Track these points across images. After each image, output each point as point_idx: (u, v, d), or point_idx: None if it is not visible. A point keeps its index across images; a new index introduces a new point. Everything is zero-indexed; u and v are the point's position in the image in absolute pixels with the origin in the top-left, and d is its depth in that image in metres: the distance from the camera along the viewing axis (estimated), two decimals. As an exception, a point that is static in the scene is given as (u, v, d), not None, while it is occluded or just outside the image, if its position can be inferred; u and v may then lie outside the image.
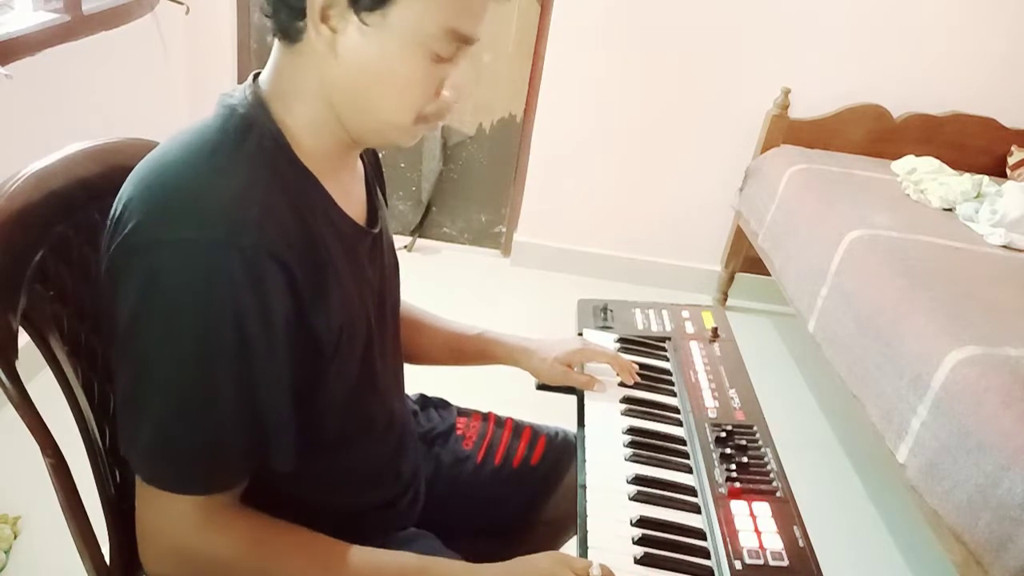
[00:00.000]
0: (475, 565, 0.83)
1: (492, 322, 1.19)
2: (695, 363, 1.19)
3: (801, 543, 0.87)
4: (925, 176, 2.44)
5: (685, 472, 0.99)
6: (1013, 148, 2.70)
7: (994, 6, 2.61)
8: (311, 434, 0.82)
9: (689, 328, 1.28)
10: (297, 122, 0.77)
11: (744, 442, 1.01)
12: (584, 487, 0.94)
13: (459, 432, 1.17)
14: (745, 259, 2.84)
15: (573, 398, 1.13)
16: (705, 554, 0.87)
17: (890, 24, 2.64)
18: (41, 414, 0.77)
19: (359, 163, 0.91)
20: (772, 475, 0.97)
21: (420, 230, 3.12)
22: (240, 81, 0.82)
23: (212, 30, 2.73)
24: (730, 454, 0.99)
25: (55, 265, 0.81)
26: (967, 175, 2.44)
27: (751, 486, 0.94)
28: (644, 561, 0.84)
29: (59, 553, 1.07)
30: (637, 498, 0.93)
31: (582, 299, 1.35)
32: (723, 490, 0.94)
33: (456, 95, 0.78)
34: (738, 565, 0.83)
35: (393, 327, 0.97)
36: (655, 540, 0.87)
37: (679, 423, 1.08)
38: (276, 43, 0.77)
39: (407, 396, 1.14)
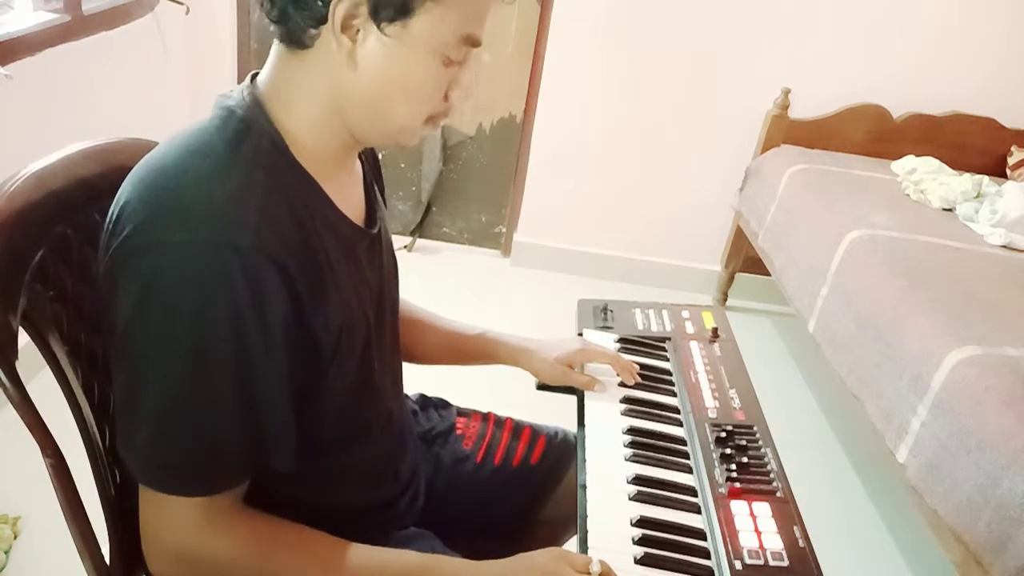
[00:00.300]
0: (476, 562, 0.83)
1: (492, 322, 1.19)
2: (695, 363, 1.19)
3: (801, 543, 0.87)
4: (925, 176, 2.44)
5: (685, 472, 0.99)
6: (1013, 148, 2.70)
7: (994, 6, 2.61)
8: (311, 434, 0.82)
9: (689, 328, 1.28)
10: (297, 124, 0.77)
11: (744, 442, 1.01)
12: (584, 487, 0.94)
13: (459, 432, 1.17)
14: (745, 259, 2.84)
15: (573, 398, 1.13)
16: (705, 554, 0.87)
17: (890, 24, 2.64)
18: (41, 414, 0.76)
19: (357, 163, 0.91)
20: (772, 475, 0.97)
21: (420, 230, 3.12)
22: (240, 81, 0.82)
23: (212, 30, 2.73)
24: (730, 454, 0.99)
25: (55, 265, 0.81)
26: (967, 175, 2.44)
27: (751, 486, 0.94)
28: (644, 561, 0.84)
29: (59, 553, 1.07)
30: (637, 498, 0.93)
31: (582, 299, 1.35)
32: (723, 490, 0.94)
33: (463, 95, 0.79)
34: (738, 565, 0.83)
35: (392, 327, 0.97)
36: (655, 540, 0.87)
37: (679, 423, 1.08)
38: (277, 45, 0.77)
39: (407, 396, 1.14)
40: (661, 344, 1.25)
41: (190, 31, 2.67)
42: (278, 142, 0.76)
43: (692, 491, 0.96)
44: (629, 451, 1.01)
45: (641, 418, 1.08)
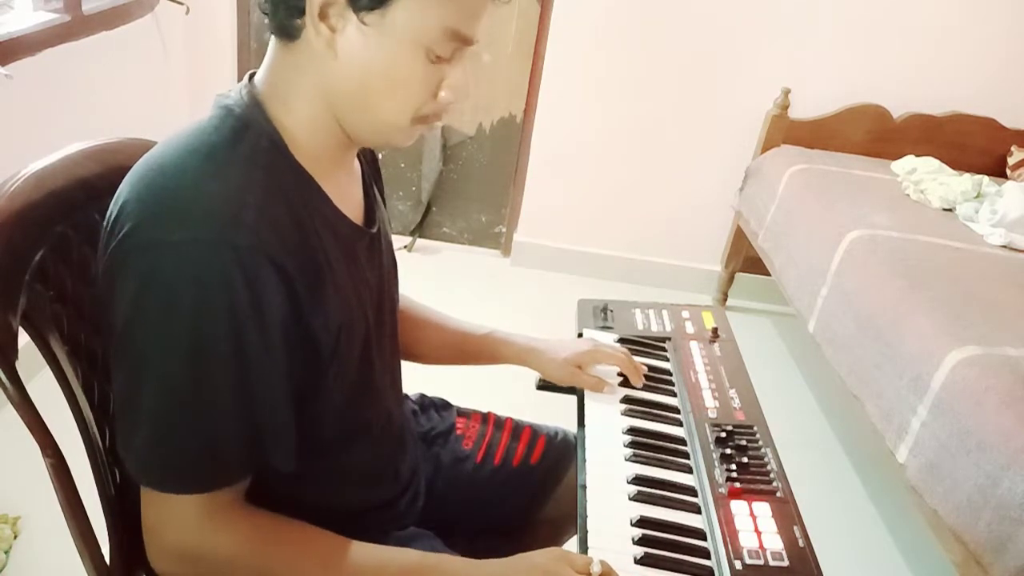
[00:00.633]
0: (476, 561, 0.83)
1: (492, 322, 1.19)
2: (695, 363, 1.19)
3: (801, 543, 0.87)
4: (925, 176, 2.44)
5: (685, 472, 0.99)
6: (1013, 148, 2.70)
7: (994, 6, 2.61)
8: (311, 434, 0.82)
9: (689, 328, 1.28)
10: (294, 122, 0.77)
11: (744, 442, 1.01)
12: (584, 487, 0.94)
13: (459, 432, 1.16)
14: (745, 259, 2.84)
15: (573, 398, 1.13)
16: (705, 554, 0.87)
17: (890, 24, 2.64)
18: (41, 414, 0.76)
19: (356, 163, 0.91)
20: (772, 475, 0.97)
21: (420, 230, 3.12)
22: (240, 81, 0.82)
23: (212, 30, 2.73)
24: (730, 454, 0.99)
25: (55, 265, 0.81)
26: (967, 175, 2.44)
27: (751, 486, 0.94)
28: (644, 561, 0.84)
29: (59, 553, 1.07)
30: (637, 498, 0.93)
31: (582, 299, 1.35)
32: (723, 490, 0.94)
33: (454, 96, 0.78)
34: (738, 565, 0.83)
35: (391, 327, 0.97)
36: (655, 540, 0.87)
37: (679, 423, 1.08)
38: (272, 42, 0.77)
39: (407, 396, 1.14)
40: (661, 344, 1.25)
41: (190, 31, 2.67)
42: (276, 141, 0.76)
43: (692, 491, 0.96)
44: (629, 451, 1.01)
45: (641, 418, 1.08)
